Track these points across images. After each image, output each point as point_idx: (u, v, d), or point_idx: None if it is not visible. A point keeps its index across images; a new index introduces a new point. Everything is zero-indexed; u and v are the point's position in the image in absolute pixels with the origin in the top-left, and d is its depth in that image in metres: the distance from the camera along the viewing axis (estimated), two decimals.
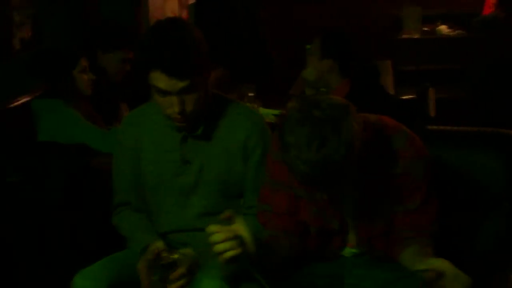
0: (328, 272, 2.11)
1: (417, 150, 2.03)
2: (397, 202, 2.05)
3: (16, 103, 3.41)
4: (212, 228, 1.87)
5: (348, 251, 2.13)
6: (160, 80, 2.11)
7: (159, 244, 2.23)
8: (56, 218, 2.89)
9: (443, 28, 6.48)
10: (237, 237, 1.87)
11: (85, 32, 3.89)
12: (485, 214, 2.30)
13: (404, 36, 6.53)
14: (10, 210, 2.86)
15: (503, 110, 4.86)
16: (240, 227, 1.89)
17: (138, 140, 2.34)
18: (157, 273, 2.19)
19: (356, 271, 2.11)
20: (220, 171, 2.29)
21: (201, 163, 2.29)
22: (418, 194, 2.04)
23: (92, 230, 2.79)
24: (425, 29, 6.55)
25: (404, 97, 4.80)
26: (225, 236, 1.86)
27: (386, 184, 2.03)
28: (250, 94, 3.86)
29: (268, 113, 3.67)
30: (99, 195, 2.80)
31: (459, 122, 2.61)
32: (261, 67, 5.12)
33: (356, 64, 3.21)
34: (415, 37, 6.50)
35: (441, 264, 1.87)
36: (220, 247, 1.86)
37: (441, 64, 6.15)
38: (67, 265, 2.28)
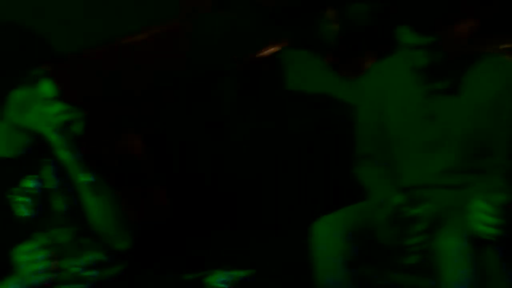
0: None
1: None
2: None
3: (264, 53, 3.55)
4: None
5: None
6: (407, 35, 2.07)
7: (400, 198, 2.20)
8: (299, 166, 2.98)
9: None
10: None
11: None
12: None
13: None
14: (263, 155, 3.02)
15: None
16: None
17: (383, 91, 2.32)
18: (396, 227, 2.18)
19: None
20: (467, 128, 2.20)
21: (447, 118, 2.21)
22: None
23: (331, 180, 2.84)
24: None
25: None
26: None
27: None
28: (506, 46, 3.61)
29: None
30: (342, 146, 2.84)
31: None
32: None
33: None
34: None
35: None
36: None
37: None
38: (310, 212, 2.35)
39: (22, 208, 1.67)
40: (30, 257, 1.52)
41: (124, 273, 1.79)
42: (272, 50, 3.55)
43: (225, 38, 3.50)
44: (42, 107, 1.60)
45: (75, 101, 1.65)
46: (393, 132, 2.31)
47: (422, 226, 2.14)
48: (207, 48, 3.34)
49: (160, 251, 2.13)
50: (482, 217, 1.85)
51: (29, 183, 1.69)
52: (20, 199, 1.67)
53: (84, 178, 1.56)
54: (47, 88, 1.60)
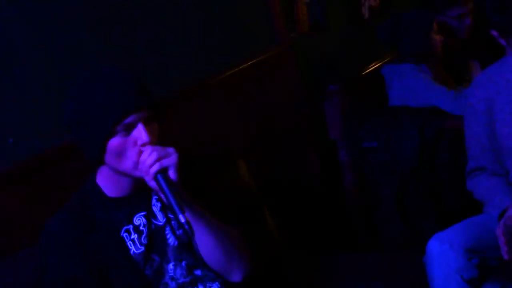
0: None
1: None
2: None
3: (368, 70, 3.54)
4: None
5: None
6: None
7: None
8: (410, 180, 2.93)
9: None
10: None
11: None
12: None
13: None
14: (367, 174, 2.99)
15: None
16: None
17: (491, 101, 2.25)
18: None
19: None
20: None
21: None
22: None
23: (444, 195, 2.78)
24: None
25: None
26: None
27: None
28: None
29: None
30: (453, 157, 2.77)
31: None
32: None
33: None
34: None
35: None
36: None
37: None
38: (423, 228, 2.31)
39: (135, 244, 1.72)
40: None
41: None
42: (374, 66, 3.54)
43: (329, 58, 3.52)
44: (137, 156, 1.63)
45: (174, 140, 1.67)
46: (506, 142, 2.23)
47: None
48: (314, 69, 3.37)
49: (275, 277, 2.14)
50: None
51: (140, 220, 1.74)
52: (133, 236, 1.72)
53: (181, 219, 1.56)
54: (139, 134, 1.62)
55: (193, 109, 2.58)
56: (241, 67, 2.84)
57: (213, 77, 2.70)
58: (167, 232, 1.76)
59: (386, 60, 3.44)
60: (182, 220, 1.55)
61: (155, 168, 1.59)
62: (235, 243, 1.77)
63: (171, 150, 1.63)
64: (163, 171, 1.60)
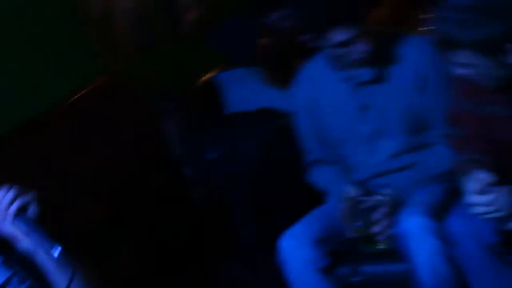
0: None
1: None
2: None
3: (204, 79, 3.54)
4: None
5: None
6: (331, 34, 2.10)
7: (356, 190, 2.23)
8: (258, 183, 2.96)
9: None
10: None
11: None
12: None
13: None
14: (214, 186, 3.00)
15: None
16: None
17: (313, 95, 2.34)
18: (360, 218, 2.20)
19: None
20: (401, 110, 2.23)
21: (380, 106, 2.24)
22: None
23: (290, 190, 2.83)
24: None
25: None
26: None
27: None
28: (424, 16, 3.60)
29: None
30: (295, 154, 2.83)
31: None
32: None
33: None
34: None
35: None
36: None
37: None
38: (272, 230, 2.34)
39: None
40: None
41: None
42: (210, 75, 3.54)
43: (159, 76, 3.49)
44: None
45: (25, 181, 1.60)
46: (334, 133, 2.33)
47: (383, 211, 2.16)
48: (147, 90, 3.33)
49: None
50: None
51: None
52: None
53: (55, 253, 1.50)
54: None
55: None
56: (67, 102, 2.75)
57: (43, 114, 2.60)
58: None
59: (219, 69, 3.46)
60: (57, 253, 1.50)
61: (13, 208, 1.53)
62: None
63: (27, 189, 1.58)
64: (22, 210, 1.54)
